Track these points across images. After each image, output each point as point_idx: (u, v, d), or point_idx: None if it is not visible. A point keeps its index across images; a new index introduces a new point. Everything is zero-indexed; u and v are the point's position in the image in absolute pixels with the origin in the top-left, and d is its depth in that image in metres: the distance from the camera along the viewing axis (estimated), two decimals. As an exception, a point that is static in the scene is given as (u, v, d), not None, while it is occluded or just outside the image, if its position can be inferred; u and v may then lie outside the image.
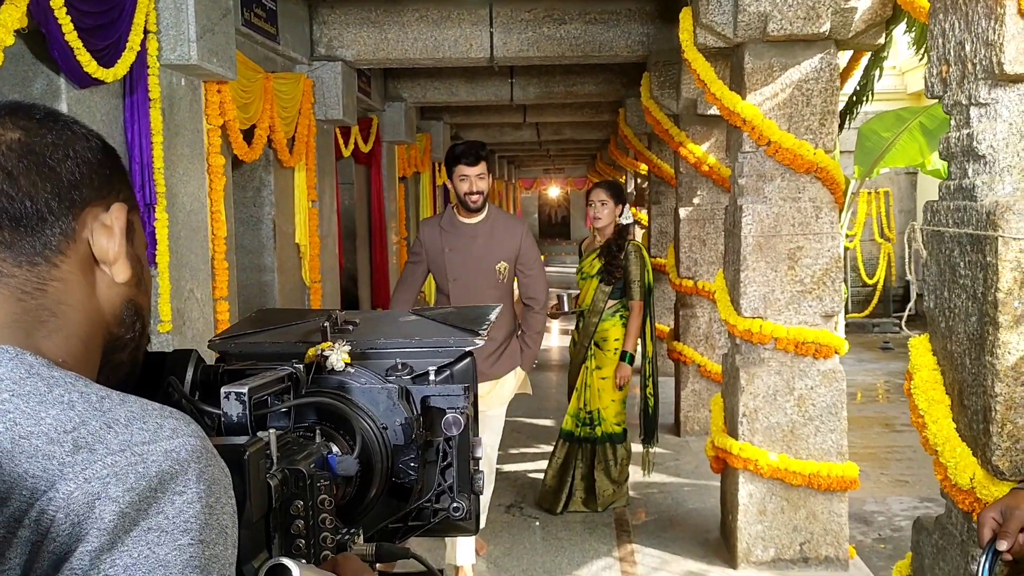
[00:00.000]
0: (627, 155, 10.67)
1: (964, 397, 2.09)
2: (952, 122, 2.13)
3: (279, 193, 6.10)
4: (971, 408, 2.08)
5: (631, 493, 5.31)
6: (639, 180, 11.66)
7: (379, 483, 1.12)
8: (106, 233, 0.83)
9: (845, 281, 11.49)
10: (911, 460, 6.18)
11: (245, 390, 0.95)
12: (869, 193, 12.79)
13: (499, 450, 4.47)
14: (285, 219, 6.20)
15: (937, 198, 2.21)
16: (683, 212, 6.70)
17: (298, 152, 6.15)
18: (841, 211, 4.58)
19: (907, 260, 2.31)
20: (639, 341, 5.03)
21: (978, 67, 1.98)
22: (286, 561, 0.82)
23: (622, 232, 5.08)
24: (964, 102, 2.04)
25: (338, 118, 6.66)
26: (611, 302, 5.01)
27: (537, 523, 5.03)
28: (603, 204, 5.01)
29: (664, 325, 7.50)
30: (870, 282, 13.06)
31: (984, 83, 1.97)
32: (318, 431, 1.07)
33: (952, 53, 2.09)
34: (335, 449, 1.07)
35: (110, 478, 0.66)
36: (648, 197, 9.08)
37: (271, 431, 0.92)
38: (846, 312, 11.18)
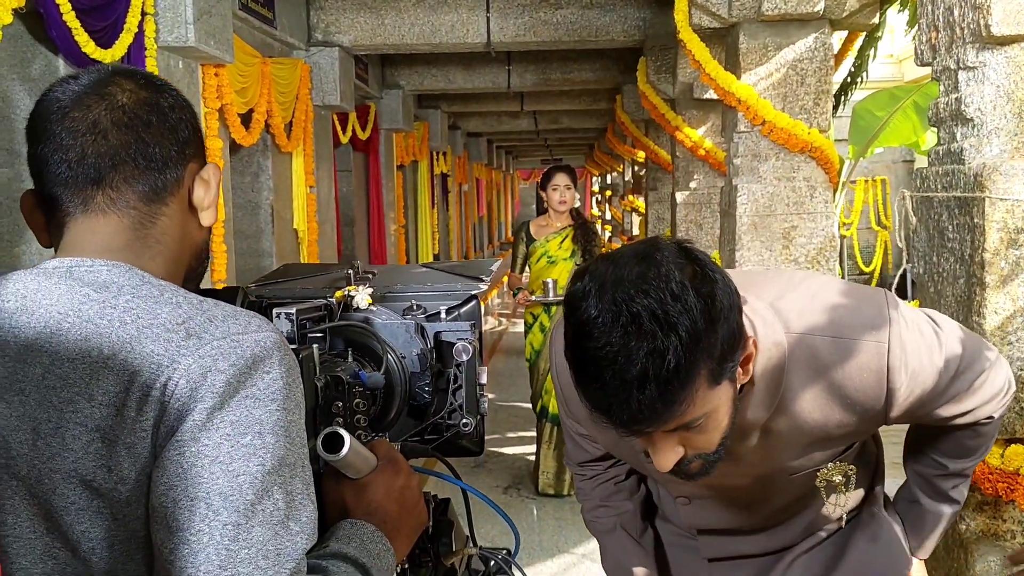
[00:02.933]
0: (624, 143, 10.69)
1: (953, 360, 2.11)
2: (941, 87, 2.16)
3: (277, 178, 6.12)
4: (960, 370, 2.11)
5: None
6: (636, 168, 11.69)
7: (399, 404, 1.28)
8: (204, 185, 1.04)
9: (841, 266, 11.52)
10: (907, 442, 6.19)
11: (293, 310, 1.14)
12: (866, 181, 12.81)
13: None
14: (283, 204, 6.22)
15: (927, 164, 2.24)
16: (679, 196, 6.73)
17: (296, 137, 6.16)
18: (835, 191, 4.61)
19: (897, 228, 2.34)
20: None
21: (966, 31, 2.01)
22: (340, 430, 0.99)
23: (581, 214, 5.17)
24: (952, 67, 2.07)
25: (335, 104, 6.67)
26: None
27: (534, 504, 5.07)
28: (568, 188, 5.07)
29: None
30: (867, 270, 13.10)
31: (972, 46, 2.00)
32: (350, 354, 1.24)
33: (941, 19, 2.12)
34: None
35: (218, 356, 0.86)
36: (645, 184, 9.10)
37: (314, 346, 1.11)
38: (843, 299, 11.17)
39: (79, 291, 0.90)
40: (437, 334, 1.32)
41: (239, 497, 0.83)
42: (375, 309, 1.32)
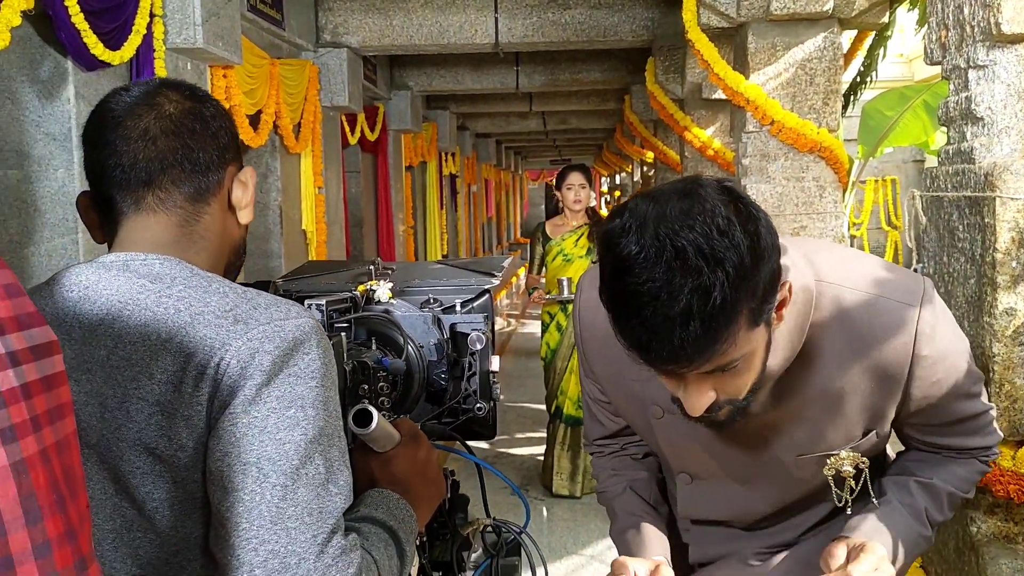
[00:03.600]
0: (633, 143, 10.67)
1: (964, 361, 2.10)
2: (951, 86, 2.14)
3: (286, 179, 6.12)
4: (970, 371, 2.09)
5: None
6: (645, 168, 11.67)
7: (418, 389, 1.39)
8: (241, 187, 1.15)
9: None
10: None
11: (323, 301, 1.25)
12: (876, 181, 12.76)
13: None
14: (292, 205, 6.23)
15: (937, 164, 2.23)
16: (688, 197, 6.72)
17: (304, 138, 6.17)
18: (845, 191, 4.59)
19: (907, 227, 2.32)
20: None
21: (976, 29, 1.99)
22: (369, 407, 1.09)
23: (597, 212, 5.16)
24: (963, 65, 2.06)
25: (344, 105, 6.68)
26: None
27: (543, 505, 5.06)
28: (582, 187, 5.07)
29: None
30: (877, 270, 13.03)
31: (982, 45, 1.98)
32: (373, 343, 1.36)
33: (951, 17, 2.10)
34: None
35: (264, 339, 0.97)
36: (654, 184, 9.08)
37: (342, 334, 1.21)
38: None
39: (136, 282, 1.02)
40: (452, 325, 1.43)
41: (285, 462, 0.94)
42: (395, 302, 1.43)
